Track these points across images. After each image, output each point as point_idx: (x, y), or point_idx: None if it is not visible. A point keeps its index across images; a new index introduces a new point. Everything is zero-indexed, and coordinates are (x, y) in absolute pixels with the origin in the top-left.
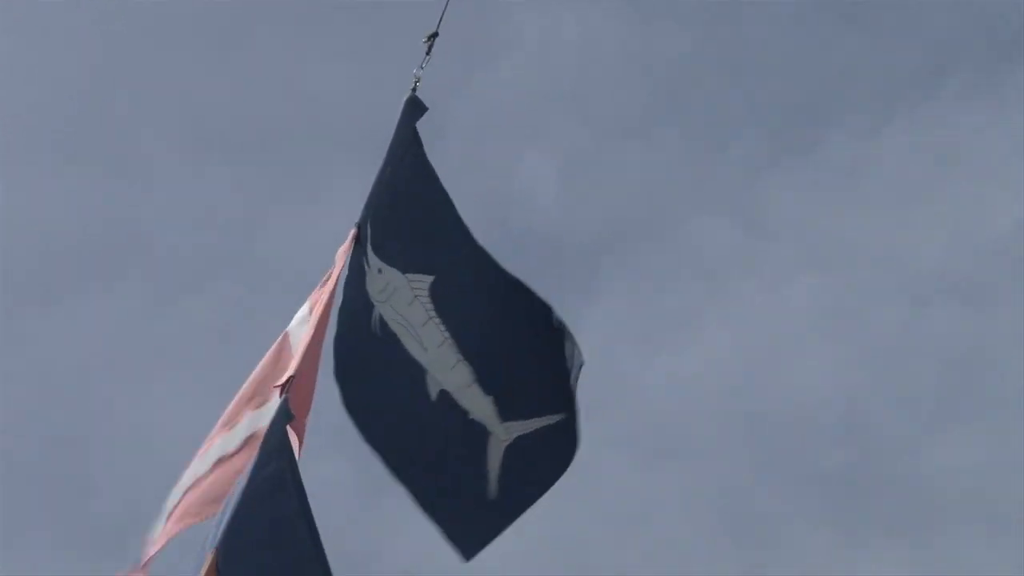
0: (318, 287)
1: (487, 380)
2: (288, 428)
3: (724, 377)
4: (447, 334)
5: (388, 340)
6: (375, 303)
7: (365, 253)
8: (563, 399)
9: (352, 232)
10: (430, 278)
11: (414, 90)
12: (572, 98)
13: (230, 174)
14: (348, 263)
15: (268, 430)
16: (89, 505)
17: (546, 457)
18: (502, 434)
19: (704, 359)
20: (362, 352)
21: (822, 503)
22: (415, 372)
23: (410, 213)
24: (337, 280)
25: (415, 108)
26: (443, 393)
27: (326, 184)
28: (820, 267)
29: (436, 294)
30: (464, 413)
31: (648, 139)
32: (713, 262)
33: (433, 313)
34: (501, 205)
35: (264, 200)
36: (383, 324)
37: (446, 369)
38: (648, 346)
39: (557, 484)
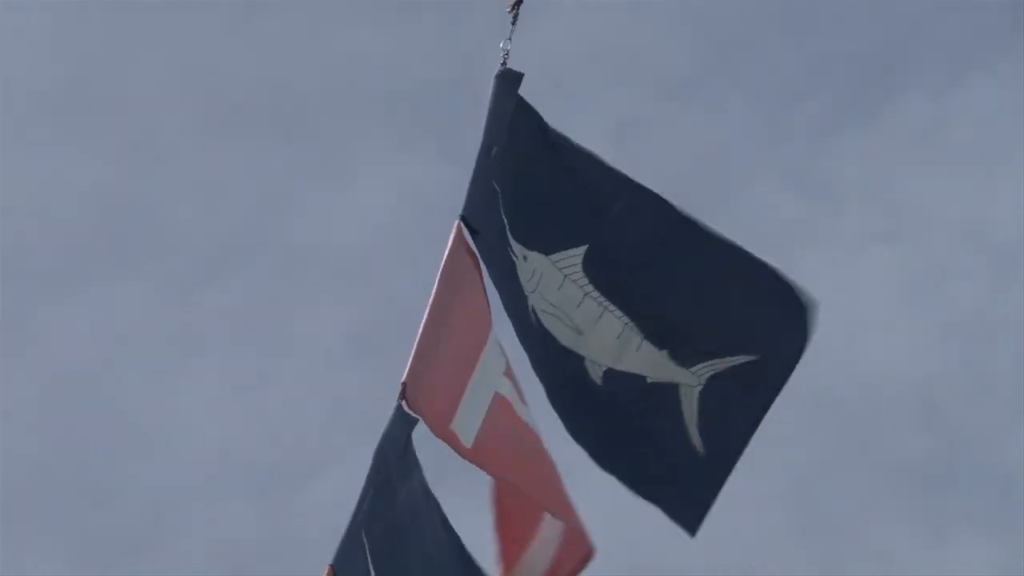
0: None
1: (659, 333)
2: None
3: None
4: (606, 303)
5: (544, 334)
6: (527, 294)
7: (508, 243)
8: (758, 340)
9: (456, 225)
10: (582, 250)
11: (503, 63)
12: (619, 60)
13: (254, 149)
14: (458, 260)
15: (384, 443)
16: (103, 512)
17: (743, 396)
18: (692, 380)
19: None
20: (536, 349)
21: (901, 497)
22: (573, 363)
23: (542, 188)
24: (440, 280)
25: (509, 81)
26: (608, 372)
27: (361, 159)
28: (893, 238)
29: (590, 264)
30: (641, 379)
31: (703, 103)
32: (775, 234)
33: (589, 287)
34: None
35: (292, 178)
36: (536, 316)
37: (608, 343)
38: None
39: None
